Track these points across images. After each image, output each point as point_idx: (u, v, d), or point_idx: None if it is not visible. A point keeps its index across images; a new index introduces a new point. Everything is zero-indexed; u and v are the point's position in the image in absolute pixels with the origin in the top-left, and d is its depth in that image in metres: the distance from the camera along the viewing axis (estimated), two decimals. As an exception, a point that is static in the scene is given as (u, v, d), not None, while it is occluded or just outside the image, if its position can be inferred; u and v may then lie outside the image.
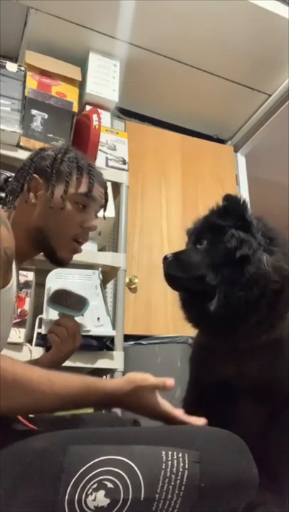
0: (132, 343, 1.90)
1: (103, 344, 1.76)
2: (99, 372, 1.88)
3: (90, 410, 1.72)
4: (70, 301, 1.13)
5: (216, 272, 1.05)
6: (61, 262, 1.05)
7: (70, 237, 1.02)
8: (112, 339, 1.78)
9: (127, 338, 1.87)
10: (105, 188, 1.11)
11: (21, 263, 1.07)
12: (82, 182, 1.03)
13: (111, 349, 1.77)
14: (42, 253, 1.06)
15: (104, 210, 1.14)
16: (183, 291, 1.17)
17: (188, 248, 1.16)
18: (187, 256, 1.13)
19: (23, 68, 1.95)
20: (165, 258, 1.14)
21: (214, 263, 1.06)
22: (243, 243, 1.02)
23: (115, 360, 1.74)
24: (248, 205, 1.10)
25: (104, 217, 1.14)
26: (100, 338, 1.72)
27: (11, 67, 1.92)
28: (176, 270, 1.11)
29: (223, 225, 1.08)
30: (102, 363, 1.72)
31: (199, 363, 1.23)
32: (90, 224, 1.05)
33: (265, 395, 1.09)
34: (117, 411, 1.68)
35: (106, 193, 1.12)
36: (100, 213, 1.12)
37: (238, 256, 1.01)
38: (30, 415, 0.97)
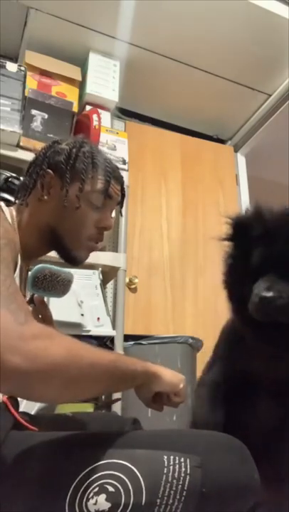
0: (132, 343, 1.90)
1: (103, 344, 1.76)
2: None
3: (90, 409, 1.73)
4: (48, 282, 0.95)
5: None
6: (76, 260, 1.00)
7: (84, 237, 0.97)
8: (112, 339, 1.79)
9: (127, 338, 1.87)
10: (121, 184, 1.04)
11: (30, 262, 1.04)
12: (98, 180, 0.97)
13: (111, 349, 1.77)
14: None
15: (121, 207, 1.08)
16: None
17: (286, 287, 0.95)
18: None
19: (23, 68, 1.95)
20: (266, 300, 0.89)
21: None
22: None
23: (115, 360, 1.74)
24: None
25: (121, 214, 1.08)
26: (100, 338, 1.72)
27: (11, 67, 1.92)
28: (281, 314, 0.91)
29: None
30: (102, 363, 1.72)
31: (229, 350, 1.11)
32: (105, 223, 0.99)
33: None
34: (117, 410, 1.68)
35: (123, 189, 1.05)
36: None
37: None
38: (32, 414, 0.97)
